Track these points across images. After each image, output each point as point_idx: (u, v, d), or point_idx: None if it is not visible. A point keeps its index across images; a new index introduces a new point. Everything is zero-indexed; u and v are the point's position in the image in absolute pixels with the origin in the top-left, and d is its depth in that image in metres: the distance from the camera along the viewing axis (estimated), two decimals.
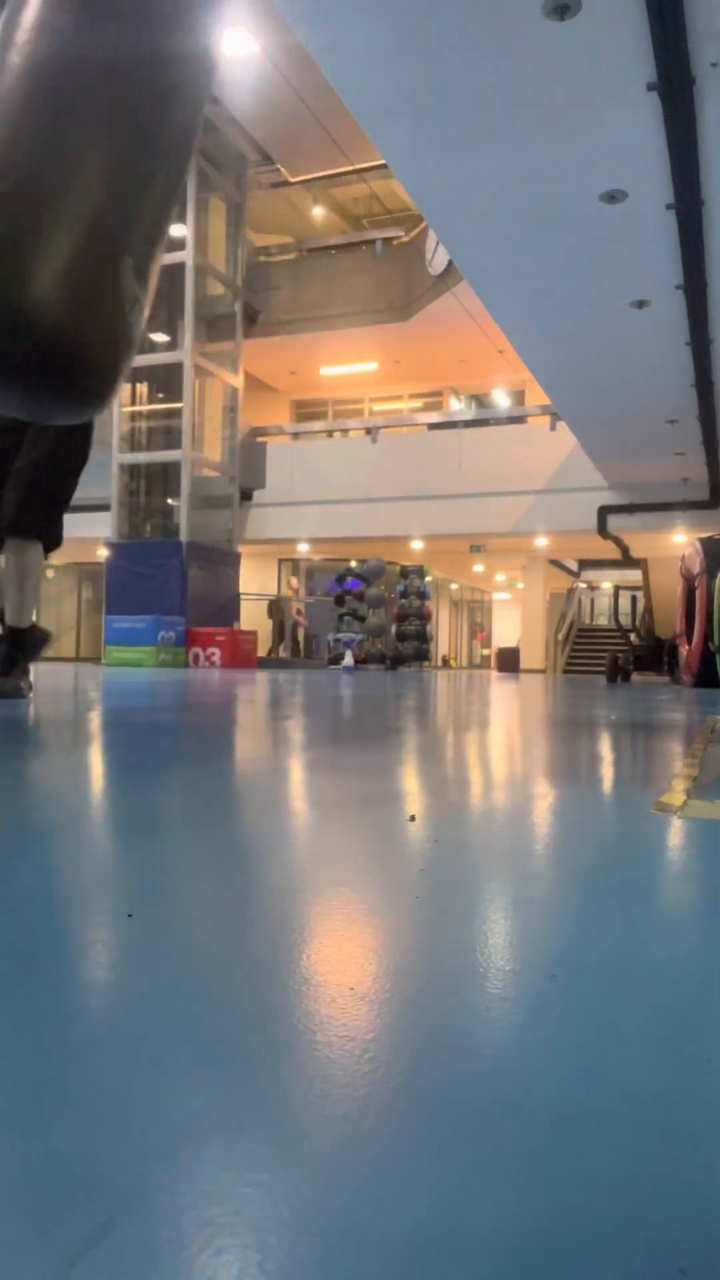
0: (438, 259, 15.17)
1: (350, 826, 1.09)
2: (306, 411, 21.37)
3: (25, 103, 1.93)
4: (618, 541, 15.81)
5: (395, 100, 4.99)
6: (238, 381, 15.99)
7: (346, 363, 19.12)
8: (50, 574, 23.49)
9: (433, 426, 17.47)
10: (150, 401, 15.03)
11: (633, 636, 12.95)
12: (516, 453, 15.67)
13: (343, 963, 0.59)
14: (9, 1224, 0.31)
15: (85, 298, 1.91)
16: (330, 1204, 0.32)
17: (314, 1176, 0.34)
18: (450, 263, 12.98)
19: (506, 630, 25.27)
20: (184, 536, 14.28)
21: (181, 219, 14.32)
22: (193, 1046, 0.45)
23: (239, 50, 12.15)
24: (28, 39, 2.00)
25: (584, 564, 20.85)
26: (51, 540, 3.41)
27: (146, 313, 2.21)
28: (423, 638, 15.88)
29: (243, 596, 15.99)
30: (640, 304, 7.48)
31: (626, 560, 16.60)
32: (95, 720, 2.72)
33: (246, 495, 16.91)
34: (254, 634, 14.83)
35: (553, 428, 14.86)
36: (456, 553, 19.55)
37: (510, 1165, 0.35)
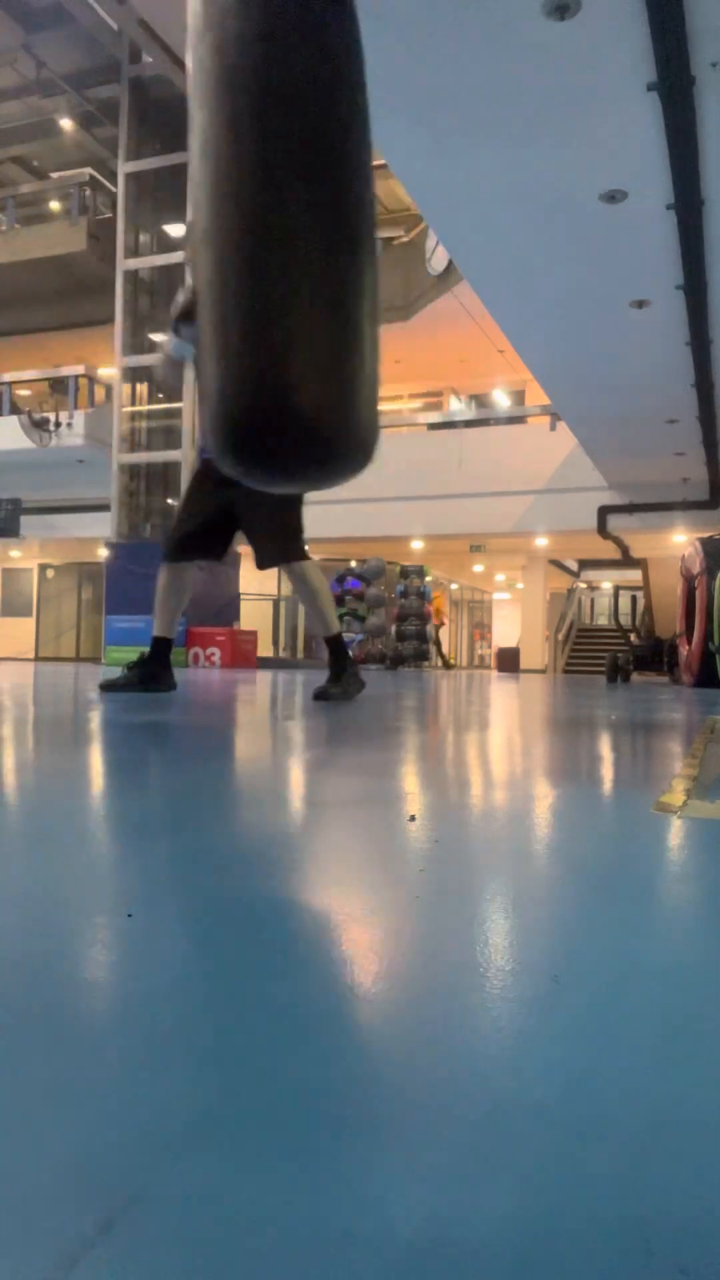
0: (438, 259, 15.16)
1: (350, 826, 1.09)
2: None
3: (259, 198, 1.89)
4: (618, 541, 15.81)
5: (395, 100, 4.99)
6: None
7: None
8: (50, 574, 23.50)
9: (433, 426, 17.47)
10: (150, 401, 15.03)
11: (633, 636, 12.95)
12: (516, 453, 15.67)
13: (342, 963, 0.59)
14: (9, 1224, 0.31)
15: (347, 390, 1.96)
16: (330, 1204, 0.32)
17: (314, 1176, 0.34)
18: (450, 263, 12.97)
19: (506, 630, 25.27)
20: None
21: (182, 218, 14.32)
22: (193, 1046, 0.45)
23: None
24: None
25: (584, 564, 20.85)
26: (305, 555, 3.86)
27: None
28: (423, 638, 15.88)
29: (243, 596, 15.99)
30: (640, 304, 7.47)
31: (626, 560, 16.60)
32: (95, 721, 2.72)
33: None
34: (254, 634, 14.82)
35: (553, 428, 14.86)
36: (456, 553, 19.55)
37: (511, 1165, 0.35)
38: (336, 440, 1.86)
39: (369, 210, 2.00)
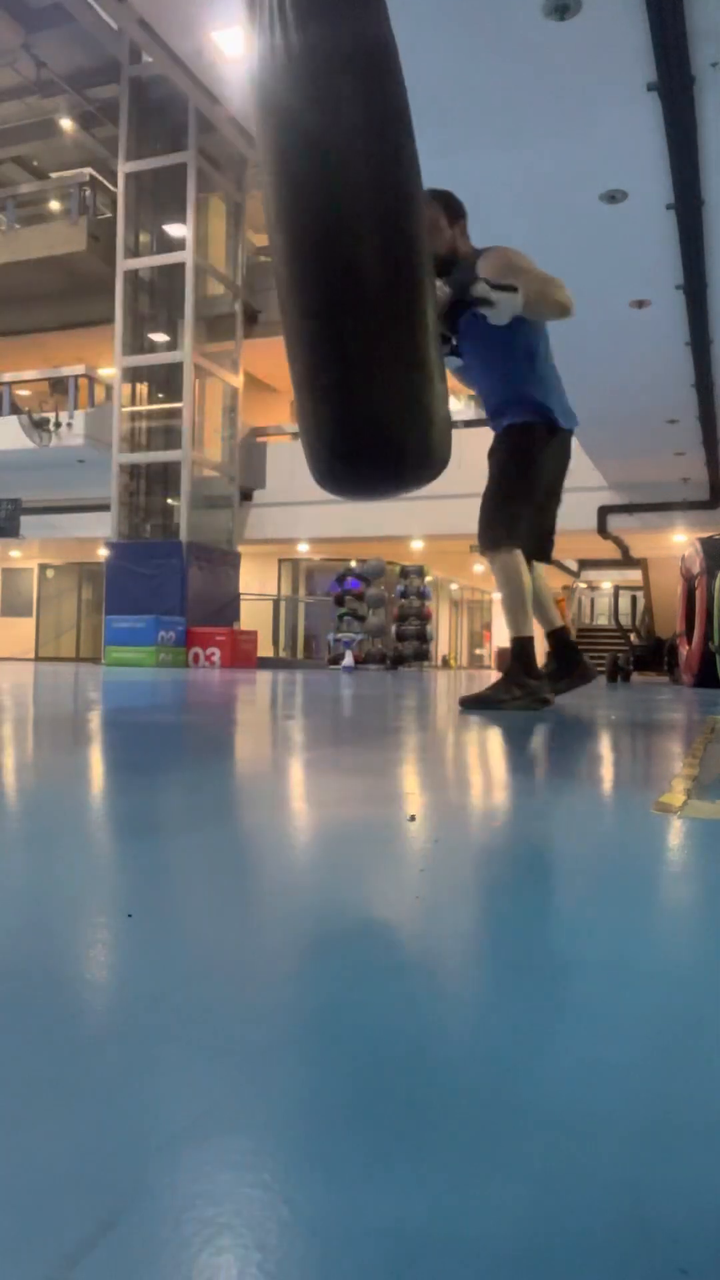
0: None
1: (350, 826, 1.09)
2: None
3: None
4: (618, 541, 15.81)
5: None
6: (238, 381, 15.99)
7: None
8: (50, 574, 23.50)
9: None
10: (150, 401, 15.03)
11: (633, 636, 12.95)
12: None
13: (342, 962, 0.59)
14: (9, 1224, 0.31)
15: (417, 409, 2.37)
16: (330, 1204, 0.32)
17: (314, 1176, 0.34)
18: None
19: (506, 630, 25.22)
20: (184, 536, 14.28)
21: (182, 219, 14.34)
22: (193, 1046, 0.45)
23: (239, 50, 12.15)
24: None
25: (584, 564, 20.85)
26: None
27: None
28: (423, 638, 15.88)
29: (243, 597, 16.00)
30: (640, 304, 7.47)
31: (626, 560, 16.60)
32: (95, 721, 2.72)
33: (246, 495, 16.91)
34: (254, 634, 14.83)
35: None
36: (456, 553, 19.55)
37: (511, 1165, 0.35)
38: (415, 457, 2.33)
39: (425, 264, 2.35)
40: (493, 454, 3.57)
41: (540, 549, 3.71)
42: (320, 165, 2.24)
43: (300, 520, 17.02)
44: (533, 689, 3.35)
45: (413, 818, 1.10)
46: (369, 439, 2.21)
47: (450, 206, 3.49)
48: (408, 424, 2.19)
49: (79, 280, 17.46)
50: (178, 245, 14.49)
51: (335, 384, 2.19)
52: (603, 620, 18.39)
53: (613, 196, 5.87)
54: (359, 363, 2.14)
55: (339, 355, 2.22)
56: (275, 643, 19.72)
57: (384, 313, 2.21)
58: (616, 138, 5.21)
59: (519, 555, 3.42)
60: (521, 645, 3.41)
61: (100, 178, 17.33)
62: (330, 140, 2.24)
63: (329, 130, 2.25)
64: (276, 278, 2.29)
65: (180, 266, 14.48)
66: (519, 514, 3.46)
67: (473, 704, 3.40)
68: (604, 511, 14.90)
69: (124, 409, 14.83)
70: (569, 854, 1.00)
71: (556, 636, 3.74)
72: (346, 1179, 0.34)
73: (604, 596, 17.74)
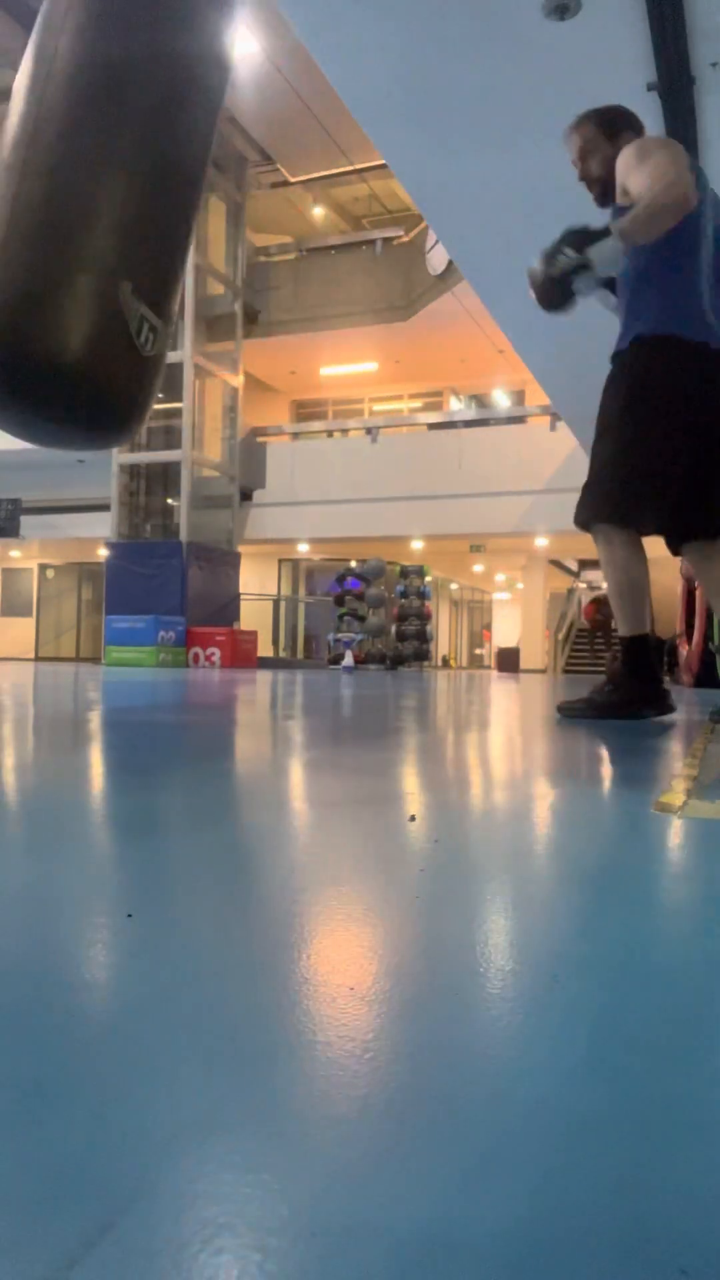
0: (438, 259, 15.17)
1: (350, 826, 1.09)
2: (306, 411, 21.37)
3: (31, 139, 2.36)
4: None
5: (395, 100, 4.99)
6: (238, 381, 15.99)
7: (346, 363, 19.12)
8: (50, 574, 23.50)
9: (433, 426, 17.47)
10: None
11: None
12: (516, 453, 15.67)
13: (342, 962, 0.59)
14: (9, 1224, 0.31)
15: (87, 332, 2.26)
16: (330, 1204, 0.32)
17: (314, 1176, 0.34)
18: (450, 263, 12.97)
19: (507, 630, 25.28)
20: (184, 536, 14.28)
21: None
22: (193, 1046, 0.45)
23: (239, 50, 12.14)
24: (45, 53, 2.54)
25: (584, 564, 20.87)
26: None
27: (169, 328, 2.53)
28: (423, 638, 15.88)
29: (243, 597, 16.00)
30: None
31: None
32: (95, 721, 2.72)
33: (246, 495, 16.91)
34: (254, 634, 14.83)
35: (553, 428, 14.86)
36: (456, 553, 19.56)
37: (511, 1165, 0.35)
38: (91, 395, 2.29)
39: (157, 173, 2.61)
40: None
41: (689, 520, 2.66)
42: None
43: (300, 520, 17.02)
44: (640, 694, 2.79)
45: (413, 818, 1.10)
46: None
47: (607, 121, 2.95)
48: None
49: None
50: None
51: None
52: None
53: None
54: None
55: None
56: (275, 643, 19.73)
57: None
58: None
59: (619, 538, 2.68)
60: (628, 645, 2.80)
61: None
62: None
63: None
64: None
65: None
66: (624, 474, 2.64)
67: (572, 712, 2.88)
68: None
69: None
70: (569, 854, 1.00)
71: (627, 643, 2.86)
72: (346, 1179, 0.34)
73: (604, 596, 17.72)
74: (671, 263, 2.65)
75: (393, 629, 15.68)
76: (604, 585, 3.04)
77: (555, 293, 2.63)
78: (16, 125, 2.32)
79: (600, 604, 15.96)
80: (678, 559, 3.05)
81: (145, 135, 2.49)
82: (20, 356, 2.25)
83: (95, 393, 2.44)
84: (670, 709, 2.83)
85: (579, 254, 2.54)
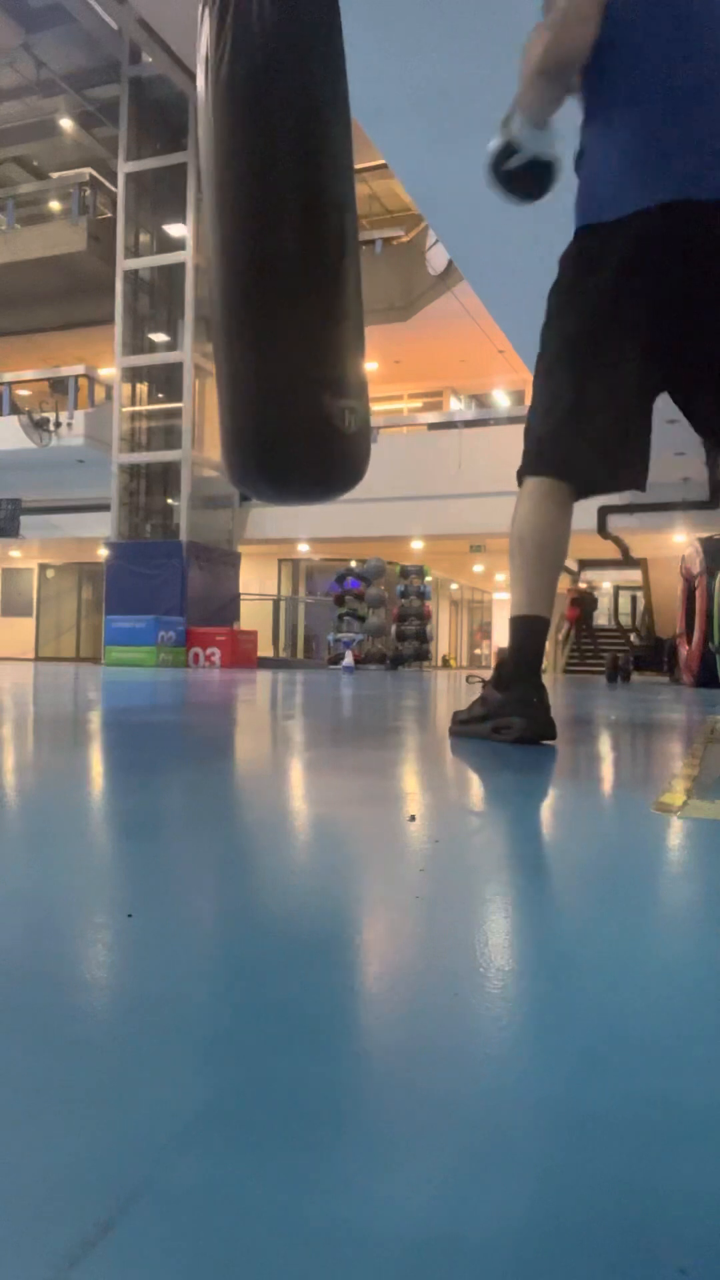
0: (438, 259, 15.17)
1: (350, 826, 1.09)
2: None
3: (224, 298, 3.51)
4: (618, 541, 15.81)
5: (395, 100, 5.00)
6: None
7: None
8: (50, 574, 23.50)
9: (433, 426, 17.48)
10: (150, 401, 15.02)
11: (633, 636, 12.94)
12: (516, 453, 15.63)
13: (342, 962, 0.59)
14: (9, 1224, 0.31)
15: (306, 436, 3.71)
16: (330, 1204, 0.32)
17: (314, 1176, 0.34)
18: (450, 263, 12.97)
19: (506, 630, 25.25)
20: (184, 536, 14.28)
21: (181, 219, 14.33)
22: (193, 1045, 0.45)
23: None
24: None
25: (584, 564, 20.86)
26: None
27: (363, 402, 3.93)
28: (423, 638, 15.88)
29: (243, 597, 16.00)
30: None
31: (626, 560, 16.60)
32: (95, 721, 2.72)
33: (246, 495, 16.90)
34: (254, 634, 14.83)
35: None
36: (456, 553, 19.56)
37: (511, 1165, 0.35)
38: (308, 475, 3.41)
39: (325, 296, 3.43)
40: None
41: (610, 467, 2.06)
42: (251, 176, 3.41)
43: (300, 520, 17.02)
44: (499, 706, 2.04)
45: (413, 818, 1.10)
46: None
47: None
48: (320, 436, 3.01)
49: (79, 280, 17.47)
50: (177, 245, 14.47)
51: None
52: (603, 620, 18.40)
53: None
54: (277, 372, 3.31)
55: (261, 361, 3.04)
56: (275, 643, 19.74)
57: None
58: None
59: (537, 486, 2.09)
60: (516, 629, 2.10)
61: (100, 178, 17.34)
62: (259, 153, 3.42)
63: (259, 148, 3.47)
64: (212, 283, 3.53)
65: (180, 266, 14.46)
66: (556, 408, 2.08)
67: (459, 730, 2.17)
68: (604, 511, 14.90)
69: (124, 409, 14.82)
70: (569, 853, 1.00)
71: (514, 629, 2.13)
72: (347, 1179, 0.34)
73: (604, 597, 17.77)
74: (603, 117, 2.04)
75: (393, 629, 15.68)
76: (584, 584, 3.05)
77: (502, 184, 2.35)
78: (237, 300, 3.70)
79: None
80: (678, 560, 3.02)
81: (351, 291, 3.82)
82: (277, 472, 3.94)
83: (321, 475, 4.02)
84: (548, 736, 2.02)
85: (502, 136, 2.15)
